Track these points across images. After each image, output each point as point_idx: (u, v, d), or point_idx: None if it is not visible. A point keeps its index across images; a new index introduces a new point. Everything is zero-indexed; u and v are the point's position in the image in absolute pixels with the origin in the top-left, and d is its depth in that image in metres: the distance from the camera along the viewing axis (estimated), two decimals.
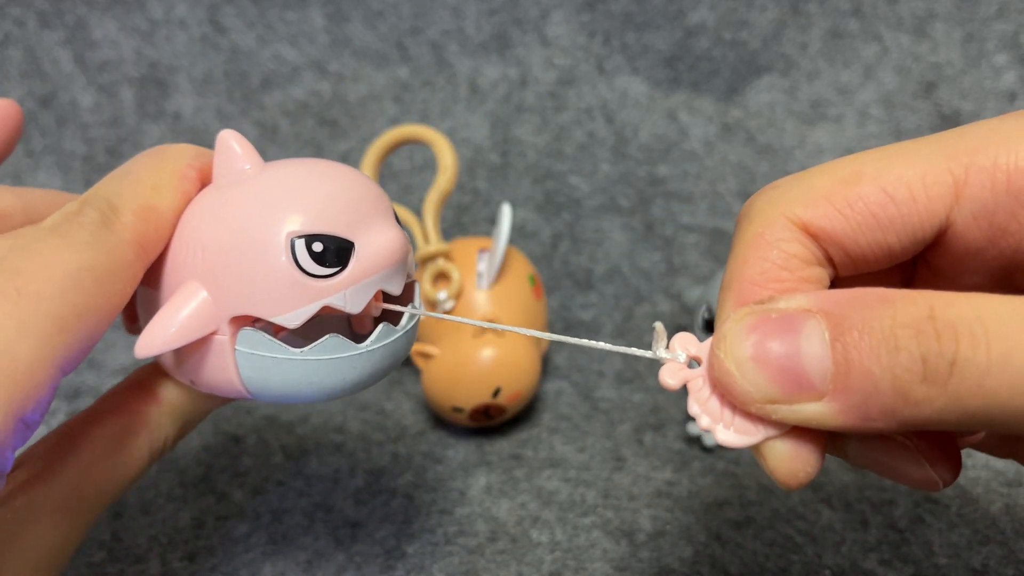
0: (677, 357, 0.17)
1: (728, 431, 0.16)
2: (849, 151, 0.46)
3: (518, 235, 0.44)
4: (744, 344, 0.15)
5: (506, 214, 0.31)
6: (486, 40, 0.49)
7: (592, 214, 0.45)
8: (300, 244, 0.17)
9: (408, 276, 0.20)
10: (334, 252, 0.17)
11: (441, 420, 0.33)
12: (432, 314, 0.20)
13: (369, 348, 0.18)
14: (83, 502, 0.19)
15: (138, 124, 0.49)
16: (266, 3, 0.49)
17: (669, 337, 0.17)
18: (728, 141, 0.47)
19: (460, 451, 0.31)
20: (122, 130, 0.49)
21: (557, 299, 0.41)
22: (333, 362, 0.18)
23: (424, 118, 0.49)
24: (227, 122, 0.48)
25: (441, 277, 0.32)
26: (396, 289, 0.19)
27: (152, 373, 0.21)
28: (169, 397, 0.20)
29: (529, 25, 0.49)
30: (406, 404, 0.34)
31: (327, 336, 0.18)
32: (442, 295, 0.31)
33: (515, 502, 0.29)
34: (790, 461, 0.16)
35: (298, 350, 0.18)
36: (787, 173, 0.48)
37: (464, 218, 0.46)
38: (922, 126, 0.46)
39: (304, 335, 0.19)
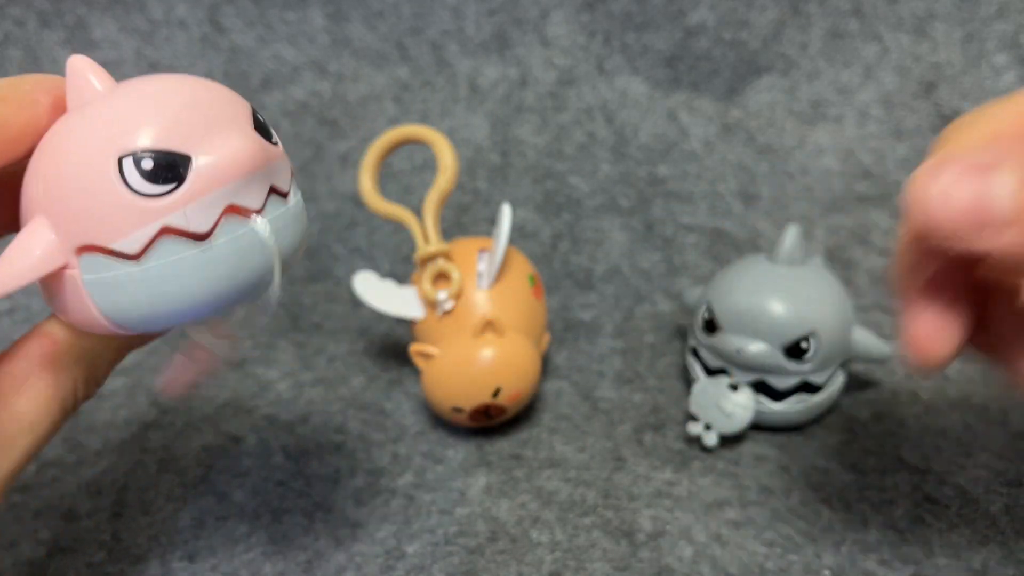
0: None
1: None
2: (849, 151, 0.46)
3: (518, 235, 0.44)
4: (937, 182, 0.16)
5: (506, 214, 0.31)
6: (486, 40, 0.49)
7: (592, 214, 0.45)
8: (128, 163, 0.16)
9: (281, 185, 0.18)
10: (166, 167, 0.16)
11: (441, 420, 0.33)
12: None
13: (213, 244, 0.17)
14: None
15: None
16: (266, 3, 0.49)
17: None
18: (728, 141, 0.47)
19: (460, 451, 0.31)
20: None
21: (557, 299, 0.41)
22: (175, 267, 0.17)
23: (424, 118, 0.48)
24: None
25: (441, 277, 0.32)
26: (253, 202, 0.17)
27: (49, 318, 0.20)
28: (63, 337, 0.19)
29: (529, 25, 0.49)
30: (406, 404, 0.34)
31: (159, 240, 0.16)
32: (442, 295, 0.31)
33: (515, 502, 0.29)
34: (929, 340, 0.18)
35: (133, 263, 0.17)
36: (787, 173, 0.48)
37: (464, 218, 0.46)
38: (922, 126, 0.46)
39: None
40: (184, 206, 0.16)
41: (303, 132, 0.48)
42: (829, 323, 0.30)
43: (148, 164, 0.16)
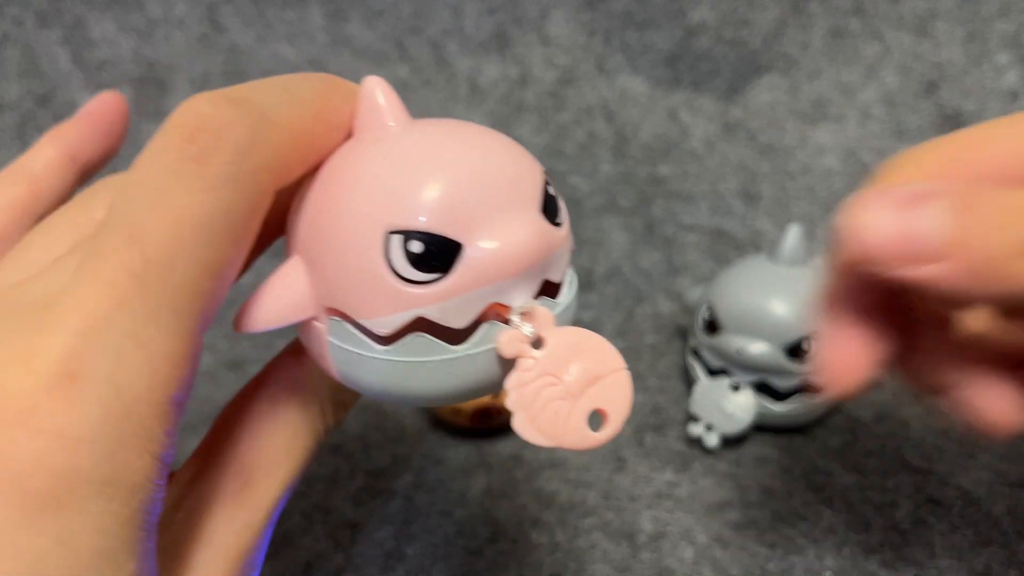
0: (523, 328, 0.15)
1: (529, 424, 0.15)
2: (850, 151, 0.46)
3: None
4: (870, 209, 0.16)
5: None
6: (486, 39, 0.49)
7: (592, 214, 0.45)
8: (396, 241, 0.14)
9: (554, 277, 0.16)
10: (436, 255, 0.14)
11: (441, 421, 0.33)
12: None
13: (467, 352, 0.15)
14: (249, 481, 0.17)
15: (136, 123, 0.48)
16: (265, 2, 0.49)
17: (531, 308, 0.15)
18: (729, 141, 0.47)
19: (460, 452, 0.31)
20: None
21: None
22: (424, 365, 0.15)
23: (424, 117, 0.48)
24: None
25: None
26: (520, 301, 0.15)
27: (294, 342, 0.19)
28: (309, 362, 0.18)
29: (529, 24, 0.49)
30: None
31: (411, 335, 0.15)
32: None
33: (515, 503, 0.29)
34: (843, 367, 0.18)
35: (382, 348, 0.15)
36: (788, 173, 0.48)
37: None
38: (924, 126, 0.46)
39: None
40: (445, 300, 0.14)
41: None
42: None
43: (417, 247, 0.14)
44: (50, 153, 0.22)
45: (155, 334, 0.13)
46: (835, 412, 0.32)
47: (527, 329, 0.15)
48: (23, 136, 0.48)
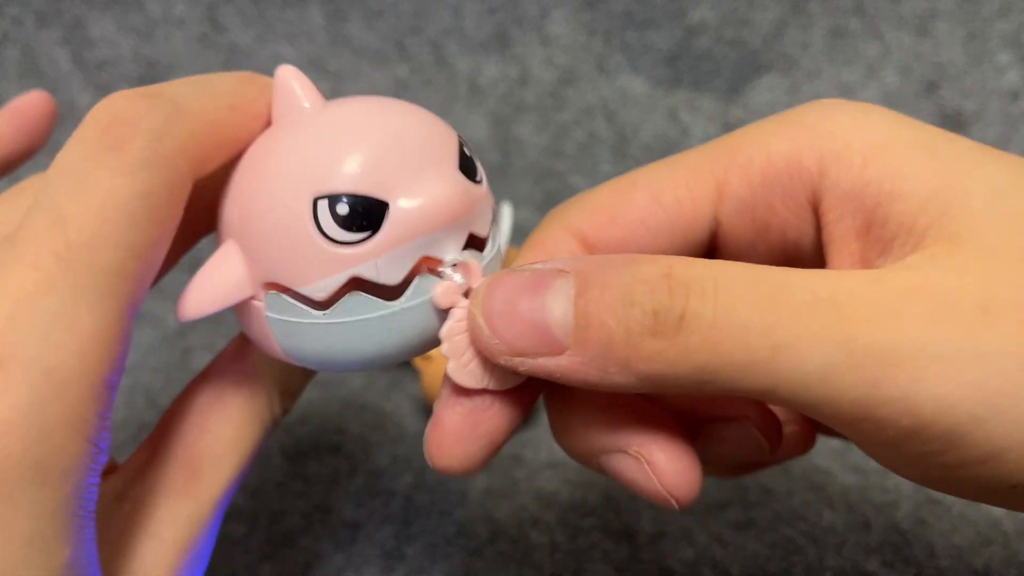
0: (454, 278, 0.16)
1: (461, 370, 0.16)
2: None
3: (518, 235, 0.44)
4: (494, 299, 0.15)
5: (506, 214, 0.31)
6: (486, 39, 0.49)
7: None
8: (323, 206, 0.15)
9: (478, 231, 0.17)
10: (362, 214, 0.15)
11: None
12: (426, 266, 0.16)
13: (403, 306, 0.15)
14: (196, 474, 0.17)
15: None
16: (265, 2, 0.49)
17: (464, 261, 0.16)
18: None
19: None
20: None
21: None
22: (362, 324, 0.15)
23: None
24: None
25: None
26: (448, 252, 0.16)
27: (244, 336, 0.19)
28: (255, 352, 0.19)
29: (529, 24, 0.49)
30: (406, 405, 0.34)
31: (348, 295, 0.15)
32: None
33: (515, 503, 0.29)
34: (453, 439, 0.16)
35: (320, 312, 0.15)
36: None
37: None
38: None
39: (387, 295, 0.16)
40: (377, 257, 0.15)
41: None
42: None
43: (344, 209, 0.15)
44: None
45: (84, 315, 0.13)
46: None
47: (459, 279, 0.16)
48: None
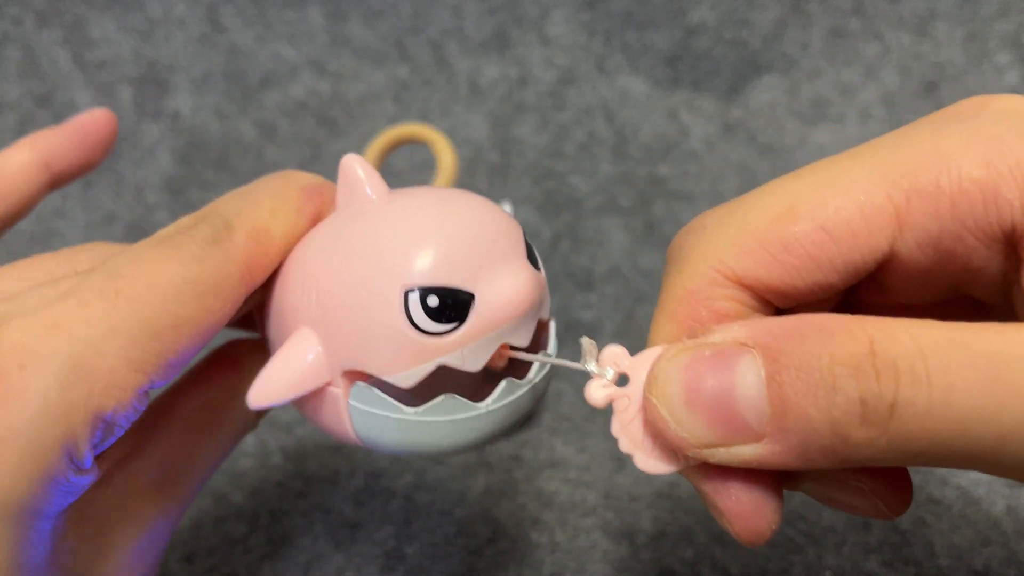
0: (604, 373, 0.16)
1: (649, 458, 0.16)
2: None
3: None
4: (676, 387, 0.14)
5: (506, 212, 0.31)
6: (486, 39, 0.49)
7: (592, 214, 0.45)
8: (414, 298, 0.15)
9: (544, 316, 0.18)
10: (451, 307, 0.15)
11: None
12: (563, 362, 0.17)
13: (489, 408, 0.17)
14: (176, 476, 0.18)
15: (136, 123, 0.49)
16: (265, 2, 0.49)
17: (600, 350, 0.17)
18: (729, 141, 0.47)
19: None
20: (120, 129, 0.48)
21: (557, 299, 0.41)
22: (450, 423, 0.16)
23: (424, 117, 0.48)
24: (226, 121, 0.48)
25: None
26: (523, 340, 0.17)
27: (235, 345, 0.20)
28: (252, 369, 0.19)
29: (529, 24, 0.49)
30: None
31: (441, 397, 0.16)
32: None
33: (515, 503, 0.29)
34: (748, 515, 0.15)
35: (412, 410, 0.16)
36: (788, 172, 0.48)
37: None
38: None
39: (429, 387, 0.17)
40: (462, 346, 0.16)
41: (302, 131, 0.48)
42: None
43: (434, 301, 0.15)
44: (25, 155, 0.23)
45: (110, 350, 0.15)
46: None
47: (608, 372, 0.16)
48: (23, 136, 0.48)
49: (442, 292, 0.15)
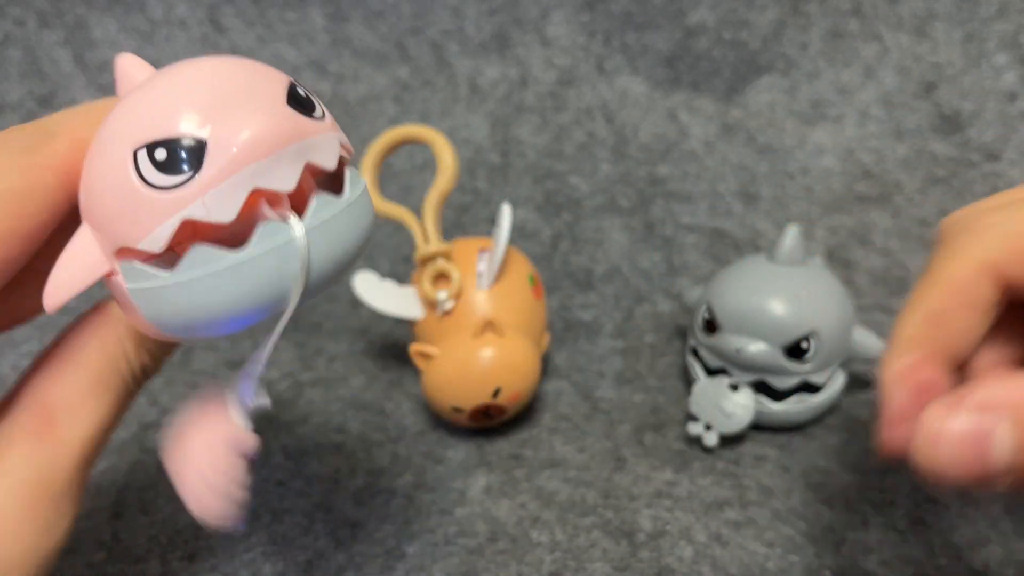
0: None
1: None
2: (850, 151, 0.46)
3: (518, 235, 0.44)
4: (940, 452, 0.16)
5: (506, 214, 0.31)
6: (486, 40, 0.49)
7: (592, 214, 0.45)
8: (143, 155, 0.15)
9: (320, 161, 0.16)
10: (179, 156, 0.15)
11: (441, 420, 0.33)
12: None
13: (251, 254, 0.15)
14: (55, 425, 0.18)
15: None
16: (266, 3, 0.49)
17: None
18: (728, 141, 0.47)
19: (460, 451, 0.31)
20: None
21: (557, 299, 0.41)
22: (212, 279, 0.15)
23: (424, 118, 0.48)
24: None
25: (441, 277, 0.32)
26: (283, 183, 0.15)
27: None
28: (114, 310, 0.19)
29: (529, 25, 0.49)
30: (406, 404, 0.34)
31: (191, 248, 0.15)
32: (442, 295, 0.31)
33: (515, 502, 0.29)
34: None
35: (168, 273, 0.15)
36: (787, 173, 0.48)
37: (464, 218, 0.46)
38: (922, 126, 0.46)
39: None
40: (202, 195, 0.15)
41: None
42: (829, 323, 0.29)
43: (161, 154, 0.15)
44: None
45: None
46: (834, 412, 0.32)
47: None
48: None
49: (167, 143, 0.15)
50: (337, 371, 0.37)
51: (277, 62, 0.49)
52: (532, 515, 0.28)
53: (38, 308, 0.19)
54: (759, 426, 0.31)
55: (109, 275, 0.16)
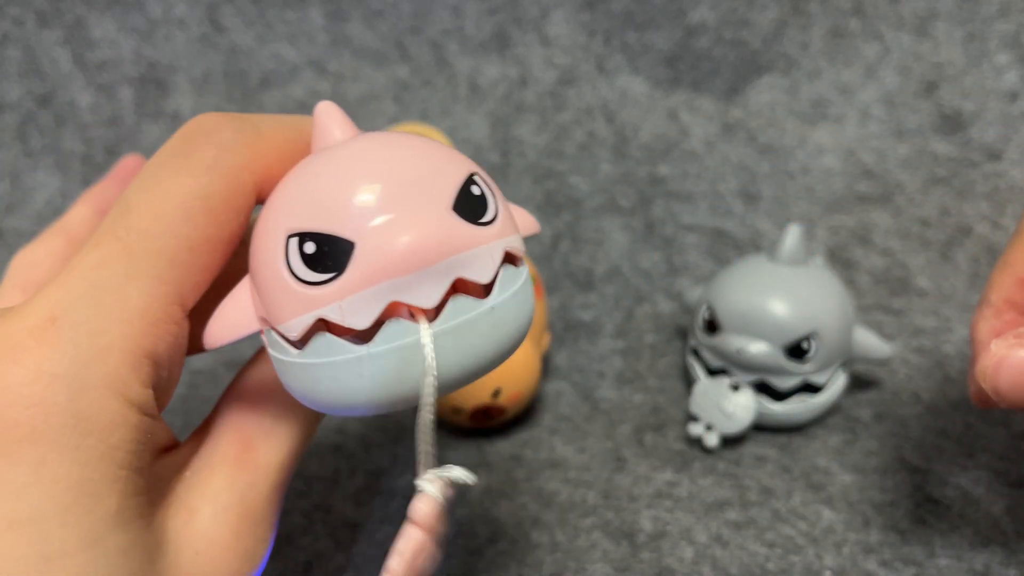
0: (427, 491, 0.16)
1: None
2: (850, 151, 0.46)
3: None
4: (1002, 375, 0.19)
5: None
6: (486, 39, 0.49)
7: (592, 214, 0.45)
8: (294, 244, 0.14)
9: (473, 276, 0.15)
10: (327, 254, 0.14)
11: (441, 421, 0.33)
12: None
13: (371, 351, 0.15)
14: (253, 450, 0.18)
15: (137, 124, 0.49)
16: (265, 2, 0.49)
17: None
18: (729, 141, 0.47)
19: (460, 452, 0.31)
20: (121, 130, 0.49)
21: (557, 299, 0.41)
22: (332, 367, 0.15)
23: (424, 117, 0.48)
24: None
25: None
26: (425, 300, 0.14)
27: None
28: None
29: (529, 24, 0.49)
30: None
31: (316, 336, 0.15)
32: None
33: (515, 503, 0.29)
34: None
35: (295, 352, 0.15)
36: (788, 173, 0.48)
37: None
38: (923, 126, 0.46)
39: None
40: (340, 299, 0.14)
41: None
42: (830, 323, 0.29)
43: (310, 248, 0.14)
44: (84, 210, 0.26)
45: (132, 292, 0.15)
46: (835, 412, 0.32)
47: (433, 493, 0.16)
48: (23, 136, 0.48)
49: (319, 238, 0.14)
50: None
51: (277, 61, 0.49)
52: (532, 516, 0.28)
53: None
54: (760, 426, 0.31)
55: (261, 331, 0.16)
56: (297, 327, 0.15)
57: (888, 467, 0.30)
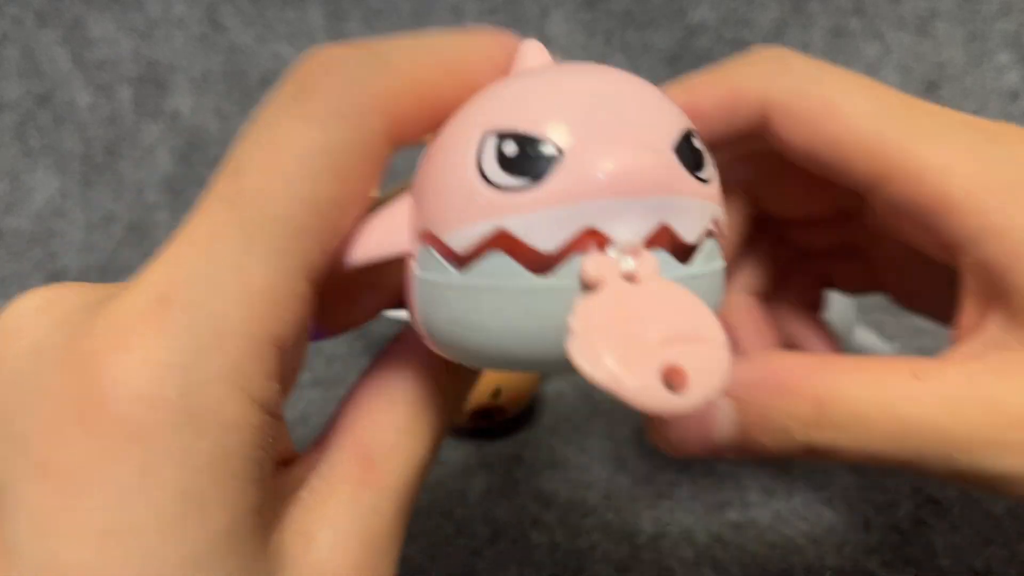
0: (621, 261, 0.13)
1: (588, 352, 0.11)
2: None
3: None
4: (670, 428, 0.18)
5: None
6: None
7: None
8: (491, 142, 0.13)
9: (678, 227, 0.13)
10: (531, 159, 0.12)
11: None
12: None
13: (549, 284, 0.12)
14: (375, 468, 0.16)
15: (136, 123, 0.49)
16: (265, 2, 0.49)
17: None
18: None
19: (460, 452, 0.31)
20: (120, 129, 0.49)
21: None
22: (497, 294, 0.13)
23: None
24: (225, 121, 0.48)
25: None
26: (626, 234, 0.12)
27: None
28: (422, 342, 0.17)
29: (529, 24, 0.49)
30: None
31: (489, 252, 0.13)
32: None
33: (515, 503, 0.29)
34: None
35: (457, 272, 0.13)
36: None
37: None
38: None
39: None
40: (530, 211, 0.12)
41: None
42: (830, 323, 0.29)
43: (510, 148, 0.12)
44: None
45: (252, 266, 0.12)
46: None
47: (626, 262, 0.12)
48: (23, 136, 0.48)
49: (524, 140, 0.12)
50: (337, 371, 0.36)
51: (276, 61, 0.49)
52: (532, 516, 0.28)
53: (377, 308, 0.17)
54: None
55: (407, 258, 0.14)
56: (470, 236, 0.13)
57: (888, 468, 0.29)
